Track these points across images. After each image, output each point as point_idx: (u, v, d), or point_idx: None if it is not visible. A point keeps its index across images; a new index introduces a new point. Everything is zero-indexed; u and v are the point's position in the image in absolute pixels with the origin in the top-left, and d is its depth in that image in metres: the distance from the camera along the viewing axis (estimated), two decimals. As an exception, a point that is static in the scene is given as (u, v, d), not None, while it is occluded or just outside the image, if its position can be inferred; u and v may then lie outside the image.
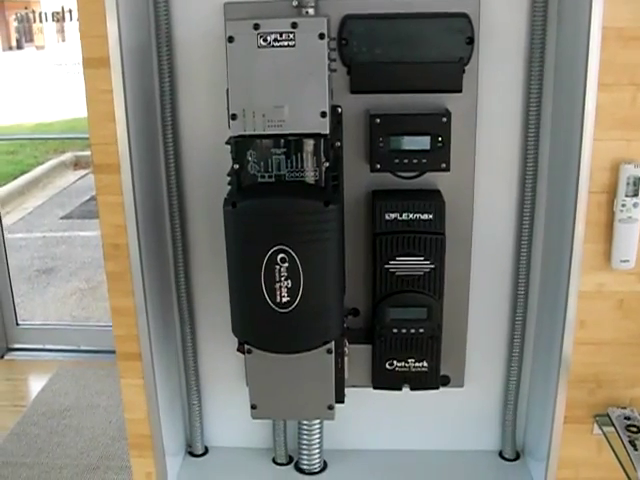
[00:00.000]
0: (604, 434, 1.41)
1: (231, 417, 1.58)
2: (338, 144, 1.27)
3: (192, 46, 1.34)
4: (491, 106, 1.34)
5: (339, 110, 1.31)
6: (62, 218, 6.19)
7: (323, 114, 1.14)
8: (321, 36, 1.12)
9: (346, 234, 1.32)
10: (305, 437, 1.54)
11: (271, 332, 1.21)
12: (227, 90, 1.15)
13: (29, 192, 6.95)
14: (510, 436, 1.55)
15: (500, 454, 1.58)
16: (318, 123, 1.14)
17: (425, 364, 1.39)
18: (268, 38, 1.12)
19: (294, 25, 1.11)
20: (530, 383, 1.52)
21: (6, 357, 3.57)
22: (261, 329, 1.22)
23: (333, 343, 1.26)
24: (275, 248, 1.14)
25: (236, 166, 1.16)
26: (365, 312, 1.43)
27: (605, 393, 1.43)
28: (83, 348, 3.57)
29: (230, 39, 1.12)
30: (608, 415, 1.42)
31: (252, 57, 1.12)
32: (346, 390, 1.36)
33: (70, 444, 2.84)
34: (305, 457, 1.56)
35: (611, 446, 1.38)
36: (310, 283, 1.16)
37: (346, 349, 1.36)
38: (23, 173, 7.29)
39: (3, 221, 3.70)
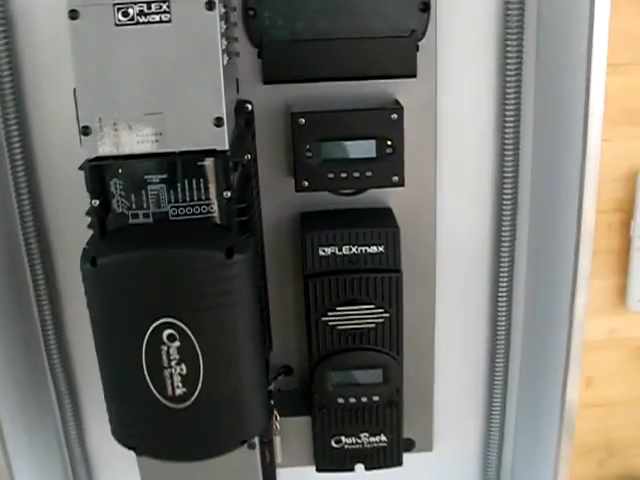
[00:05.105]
0: (615, 510, 1.14)
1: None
2: (248, 157, 0.92)
3: (36, 26, 0.97)
4: (455, 96, 1.02)
5: (248, 107, 0.97)
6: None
7: (218, 121, 0.77)
8: (209, 5, 0.74)
9: (269, 275, 1.01)
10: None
11: (163, 435, 0.85)
12: (74, 91, 0.77)
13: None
14: (492, 508, 1.25)
15: (480, 528, 1.28)
16: (212, 135, 0.77)
17: (383, 438, 1.08)
18: (130, 11, 0.74)
19: (167, -10, 0.74)
20: (514, 447, 1.21)
21: None
22: (150, 432, 0.85)
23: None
24: (158, 322, 0.78)
25: (95, 202, 0.79)
26: (300, 370, 1.10)
27: (618, 463, 1.18)
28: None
29: (73, 14, 0.74)
30: (621, 488, 1.15)
31: (108, 40, 0.74)
32: (285, 470, 1.06)
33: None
34: None
35: (624, 527, 1.11)
36: (213, 366, 0.81)
37: (277, 424, 1.05)
38: None
39: None
